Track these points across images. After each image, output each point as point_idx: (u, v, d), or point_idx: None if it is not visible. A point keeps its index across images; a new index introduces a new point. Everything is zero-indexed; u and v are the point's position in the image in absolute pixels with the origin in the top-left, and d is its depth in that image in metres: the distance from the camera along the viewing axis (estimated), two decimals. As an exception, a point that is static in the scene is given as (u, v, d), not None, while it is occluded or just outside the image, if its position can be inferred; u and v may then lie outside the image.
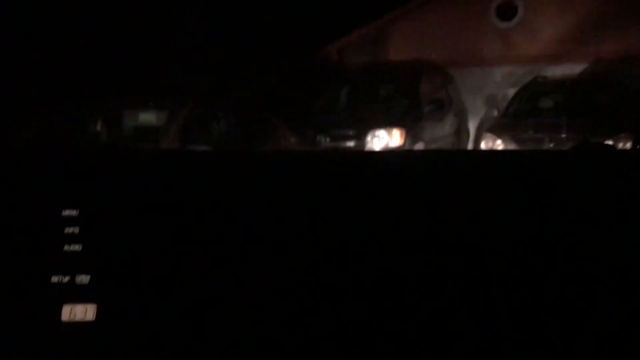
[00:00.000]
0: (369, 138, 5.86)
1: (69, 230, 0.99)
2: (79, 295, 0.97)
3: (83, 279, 0.97)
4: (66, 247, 0.98)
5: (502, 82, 7.48)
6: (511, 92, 6.85)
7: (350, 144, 5.89)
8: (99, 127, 3.38)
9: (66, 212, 1.00)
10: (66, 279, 0.98)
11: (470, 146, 6.73)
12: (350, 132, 5.93)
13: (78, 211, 1.00)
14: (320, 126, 6.01)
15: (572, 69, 6.83)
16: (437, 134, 6.29)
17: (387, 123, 5.94)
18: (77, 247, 0.98)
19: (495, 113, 6.53)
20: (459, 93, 7.10)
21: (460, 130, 6.89)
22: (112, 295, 0.97)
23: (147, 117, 3.34)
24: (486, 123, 6.74)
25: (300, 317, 0.94)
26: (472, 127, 7.17)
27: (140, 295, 0.97)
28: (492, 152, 3.16)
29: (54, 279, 0.97)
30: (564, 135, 5.11)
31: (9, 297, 0.97)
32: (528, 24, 7.63)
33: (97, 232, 1.00)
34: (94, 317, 0.95)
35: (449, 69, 7.21)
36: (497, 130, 5.72)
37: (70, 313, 0.95)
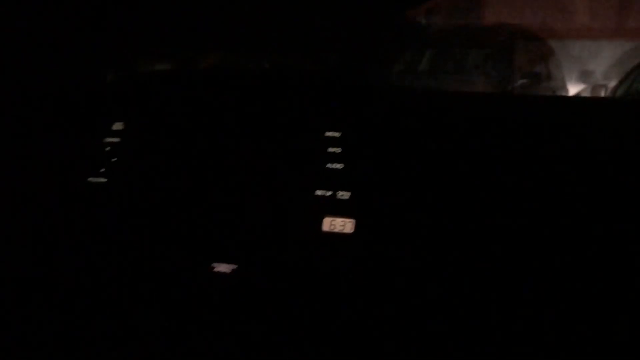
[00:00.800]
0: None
1: (332, 150, 1.19)
2: (339, 210, 1.15)
3: (344, 195, 1.16)
4: (329, 165, 1.18)
5: (609, 59, 6.73)
6: (618, 71, 6.14)
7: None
8: (109, 80, 3.03)
9: (330, 134, 1.20)
10: (328, 193, 1.16)
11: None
12: None
13: (340, 133, 1.20)
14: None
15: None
16: (529, 112, 5.61)
17: (472, 95, 5.31)
18: (339, 166, 1.18)
19: (602, 93, 5.80)
20: (559, 68, 6.37)
21: (556, 110, 6.16)
22: (370, 213, 1.14)
23: (163, 68, 2.90)
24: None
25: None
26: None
27: (395, 216, 1.12)
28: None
29: (318, 192, 1.17)
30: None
31: (278, 206, 1.15)
32: (652, -9, 6.76)
33: (357, 154, 1.18)
34: (352, 230, 1.12)
35: (549, 39, 6.51)
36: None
37: (331, 225, 1.13)
